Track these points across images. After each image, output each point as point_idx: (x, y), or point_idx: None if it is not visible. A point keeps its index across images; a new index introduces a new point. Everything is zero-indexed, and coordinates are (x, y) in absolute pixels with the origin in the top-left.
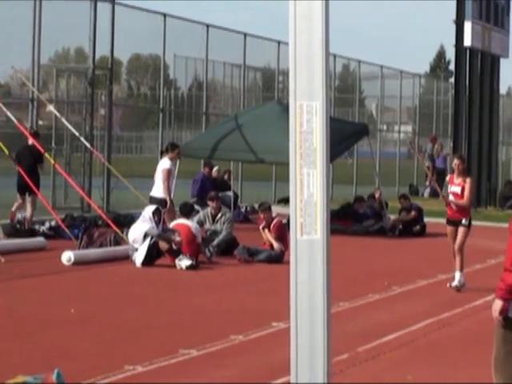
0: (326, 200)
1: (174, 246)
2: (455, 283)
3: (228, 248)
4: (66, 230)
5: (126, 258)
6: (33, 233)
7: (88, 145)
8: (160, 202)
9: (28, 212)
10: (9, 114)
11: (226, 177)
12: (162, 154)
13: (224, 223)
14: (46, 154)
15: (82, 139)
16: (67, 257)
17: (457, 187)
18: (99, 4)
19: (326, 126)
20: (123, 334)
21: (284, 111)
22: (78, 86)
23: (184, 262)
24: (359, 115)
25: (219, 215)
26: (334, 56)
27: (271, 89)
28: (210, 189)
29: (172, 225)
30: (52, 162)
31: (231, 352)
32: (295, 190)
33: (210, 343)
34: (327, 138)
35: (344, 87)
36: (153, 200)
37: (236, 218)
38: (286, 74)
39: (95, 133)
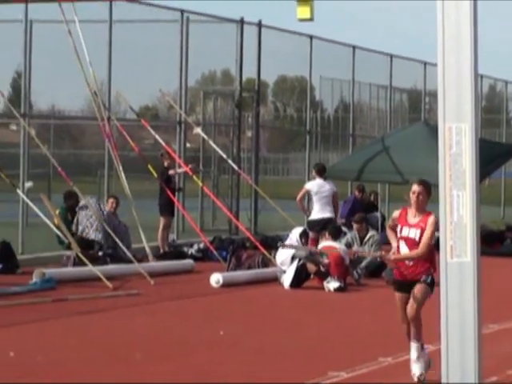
0: (476, 222)
1: (322, 268)
2: (419, 372)
3: (376, 270)
4: (215, 252)
5: (275, 280)
6: (181, 255)
7: (235, 167)
8: (318, 223)
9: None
10: (157, 136)
11: (372, 198)
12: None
13: (372, 245)
14: (194, 177)
15: (230, 161)
16: (216, 279)
17: (413, 230)
18: (246, 26)
19: (476, 148)
20: (272, 356)
21: (431, 132)
22: (224, 108)
23: (332, 284)
24: (506, 136)
25: (367, 237)
26: (481, 76)
27: (418, 110)
28: (360, 211)
29: (320, 247)
30: (200, 184)
31: (381, 374)
32: (445, 213)
33: (359, 365)
34: (476, 160)
35: (490, 108)
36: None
37: (384, 240)
38: (432, 94)
39: (242, 155)
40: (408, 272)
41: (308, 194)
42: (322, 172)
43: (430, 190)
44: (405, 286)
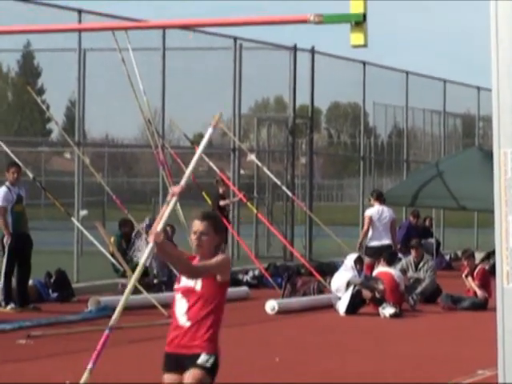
0: None
1: (378, 295)
2: None
3: (431, 296)
4: (270, 278)
5: (330, 306)
6: (236, 282)
7: (290, 193)
8: (377, 250)
9: None
10: (211, 163)
11: (427, 223)
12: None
13: (427, 271)
14: (249, 203)
15: (284, 188)
16: (271, 306)
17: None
18: (299, 53)
19: None
20: (326, 382)
21: (485, 158)
22: (278, 134)
23: (387, 310)
24: None
25: (422, 263)
26: None
27: (471, 135)
28: (415, 237)
29: (375, 273)
30: (254, 211)
31: None
32: (500, 238)
33: None
34: None
35: None
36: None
37: (439, 266)
38: (486, 120)
39: (296, 181)
40: (182, 339)
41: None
42: (380, 198)
43: (219, 228)
44: (174, 362)
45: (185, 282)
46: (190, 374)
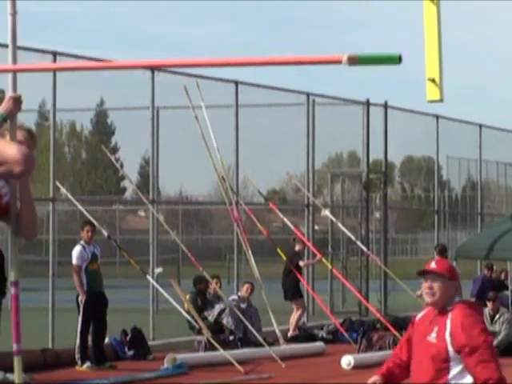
0: None
1: None
2: None
3: (507, 349)
4: (345, 333)
5: None
6: (312, 337)
7: (364, 248)
8: None
9: (292, 317)
10: (285, 219)
11: (502, 276)
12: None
13: (503, 323)
14: (323, 259)
15: (358, 243)
16: (347, 361)
17: None
18: (372, 108)
19: None
20: None
21: None
22: (352, 190)
23: None
24: None
25: (497, 315)
26: None
27: None
28: (489, 290)
29: None
30: (329, 266)
31: None
32: None
33: None
34: None
35: None
36: None
37: None
38: None
39: (371, 236)
40: None
41: None
42: (443, 253)
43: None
44: None
45: None
46: None
